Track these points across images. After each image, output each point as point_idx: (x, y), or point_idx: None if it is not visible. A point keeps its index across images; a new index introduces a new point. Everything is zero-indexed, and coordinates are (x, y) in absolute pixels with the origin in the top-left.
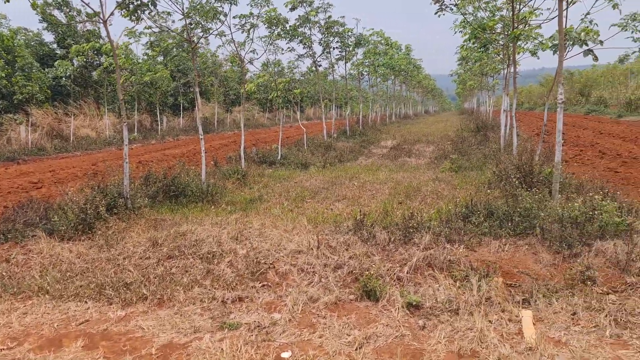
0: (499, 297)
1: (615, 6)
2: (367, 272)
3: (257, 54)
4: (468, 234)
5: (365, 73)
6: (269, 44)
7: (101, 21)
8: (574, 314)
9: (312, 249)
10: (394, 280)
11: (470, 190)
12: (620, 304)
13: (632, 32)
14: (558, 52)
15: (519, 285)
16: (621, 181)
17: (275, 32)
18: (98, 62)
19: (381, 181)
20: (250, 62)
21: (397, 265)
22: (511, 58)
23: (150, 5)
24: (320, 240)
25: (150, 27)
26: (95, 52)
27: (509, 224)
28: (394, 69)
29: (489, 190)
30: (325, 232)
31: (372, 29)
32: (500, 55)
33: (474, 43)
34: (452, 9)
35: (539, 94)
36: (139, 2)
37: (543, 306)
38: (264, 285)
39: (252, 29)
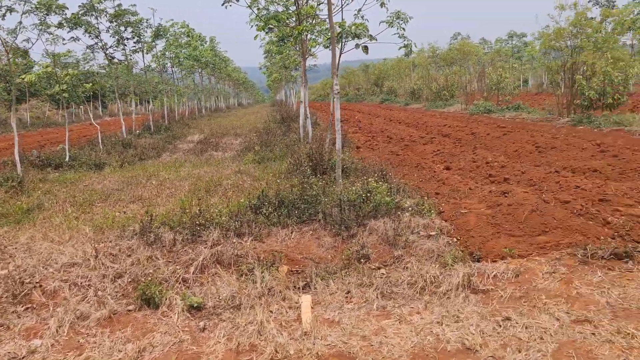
0: (280, 286)
1: (382, 4)
2: (148, 279)
3: (31, 42)
4: (259, 225)
5: (169, 65)
6: (42, 32)
7: None
8: (348, 292)
9: (89, 260)
10: (179, 283)
11: (270, 181)
12: (387, 276)
13: (397, 29)
14: (331, 46)
15: (302, 270)
16: (400, 162)
17: (50, 19)
18: None
19: (182, 177)
20: (25, 52)
21: (183, 266)
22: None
23: None
24: (100, 248)
25: None
26: None
27: (296, 212)
28: (199, 61)
29: (278, 181)
30: (109, 239)
31: (172, 19)
32: (297, 49)
33: (267, 33)
34: (238, 0)
35: (342, 85)
36: None
37: (321, 289)
38: (27, 309)
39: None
